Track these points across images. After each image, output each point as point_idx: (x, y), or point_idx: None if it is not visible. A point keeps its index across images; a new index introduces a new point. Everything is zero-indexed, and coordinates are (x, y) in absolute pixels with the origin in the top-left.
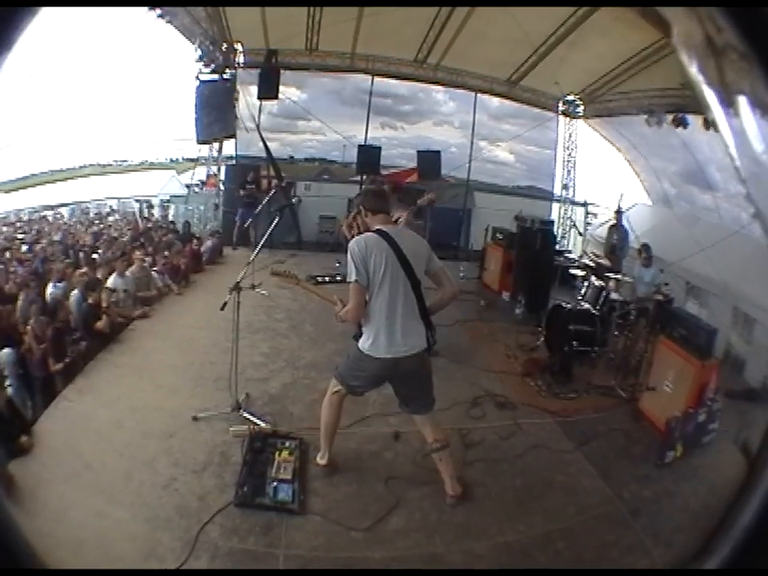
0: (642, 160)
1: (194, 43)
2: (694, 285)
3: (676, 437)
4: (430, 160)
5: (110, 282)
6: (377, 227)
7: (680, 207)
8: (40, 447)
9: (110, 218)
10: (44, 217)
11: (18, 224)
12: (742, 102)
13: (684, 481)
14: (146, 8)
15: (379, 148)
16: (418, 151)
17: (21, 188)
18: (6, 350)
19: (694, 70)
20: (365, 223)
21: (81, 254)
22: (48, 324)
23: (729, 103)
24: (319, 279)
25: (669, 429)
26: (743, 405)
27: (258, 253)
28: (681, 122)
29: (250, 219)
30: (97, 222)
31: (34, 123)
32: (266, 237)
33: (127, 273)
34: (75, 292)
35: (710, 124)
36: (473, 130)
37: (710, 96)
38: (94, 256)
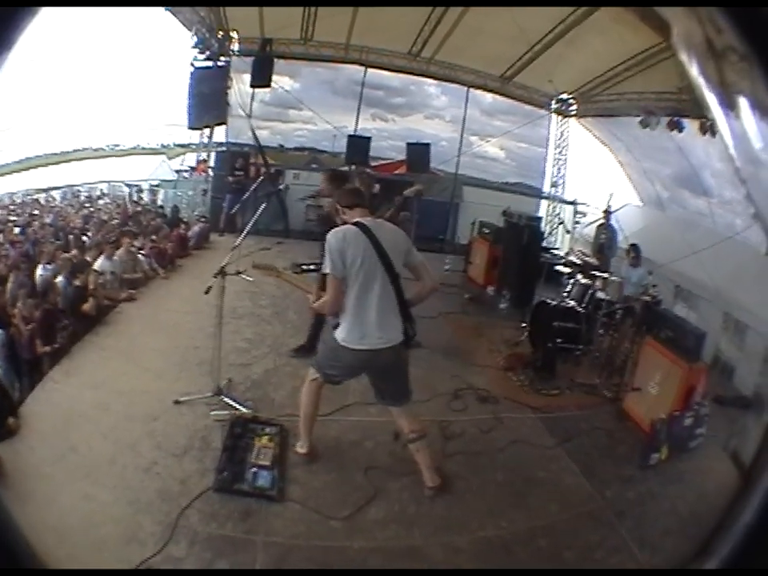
0: (635, 162)
1: (190, 30)
2: (684, 288)
3: (661, 439)
4: (419, 153)
5: (98, 264)
6: (356, 220)
7: (672, 210)
8: (27, 429)
9: (101, 202)
10: (36, 200)
11: (12, 207)
12: (743, 103)
13: (669, 484)
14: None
15: (369, 138)
16: (408, 143)
17: (15, 171)
18: None
19: (693, 71)
20: (343, 221)
21: (71, 237)
22: (36, 306)
23: (729, 104)
24: (304, 267)
25: (653, 430)
26: (734, 412)
27: (243, 238)
28: (676, 126)
29: (238, 205)
30: (87, 204)
31: (28, 108)
32: (251, 222)
33: (115, 256)
34: (60, 276)
35: (706, 129)
36: (463, 124)
37: (710, 97)
38: (84, 238)
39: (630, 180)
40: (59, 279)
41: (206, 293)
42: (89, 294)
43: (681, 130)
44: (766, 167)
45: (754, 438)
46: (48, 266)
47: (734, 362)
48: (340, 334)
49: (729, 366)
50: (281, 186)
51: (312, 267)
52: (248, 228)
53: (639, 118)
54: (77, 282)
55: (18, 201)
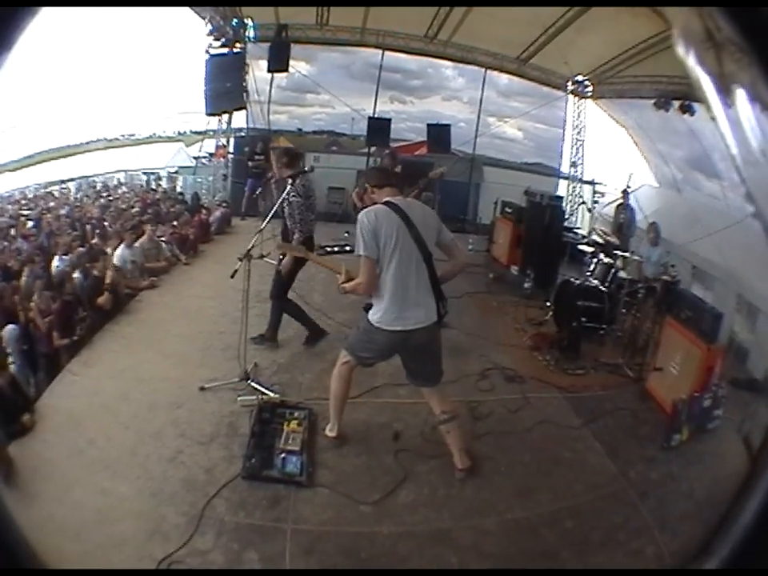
0: (650, 143)
1: (204, 18)
2: (700, 269)
3: (682, 420)
4: (440, 133)
5: (118, 253)
6: (385, 199)
7: (687, 192)
8: (43, 424)
9: (118, 191)
10: (50, 192)
11: (23, 201)
12: (741, 96)
13: (690, 466)
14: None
15: (389, 120)
16: (428, 124)
17: (27, 166)
18: (10, 326)
19: (691, 62)
20: (372, 200)
21: (88, 227)
22: (53, 298)
23: (727, 96)
24: (328, 249)
25: (675, 411)
26: (746, 395)
27: (268, 221)
28: (687, 109)
29: (259, 189)
30: (104, 194)
31: (40, 100)
32: (277, 205)
33: (136, 244)
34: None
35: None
36: (480, 105)
37: (710, 91)
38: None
39: (646, 161)
40: (75, 273)
41: (232, 277)
42: (105, 287)
43: (692, 113)
44: (765, 167)
45: (763, 425)
46: (65, 257)
47: (747, 344)
48: (374, 316)
49: (743, 348)
50: (306, 168)
51: (336, 249)
52: (273, 211)
53: (653, 101)
54: (94, 272)
55: (30, 195)
